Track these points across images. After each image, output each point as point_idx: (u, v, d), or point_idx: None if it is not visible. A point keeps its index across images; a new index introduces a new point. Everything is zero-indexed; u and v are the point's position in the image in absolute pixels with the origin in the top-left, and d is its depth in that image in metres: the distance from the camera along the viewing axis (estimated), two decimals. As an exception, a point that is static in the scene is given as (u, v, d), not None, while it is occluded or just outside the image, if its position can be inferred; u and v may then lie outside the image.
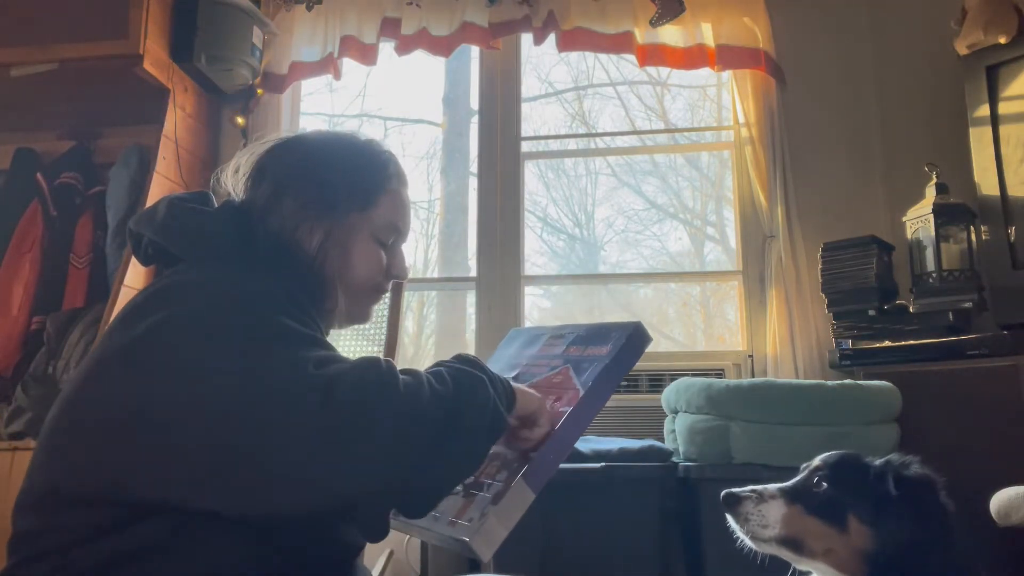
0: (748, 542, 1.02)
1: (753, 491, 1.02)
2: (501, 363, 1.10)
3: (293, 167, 0.96)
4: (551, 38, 2.76)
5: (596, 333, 1.00)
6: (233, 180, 0.99)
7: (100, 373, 0.78)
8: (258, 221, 0.92)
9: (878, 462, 1.01)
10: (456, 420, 0.77)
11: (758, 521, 1.00)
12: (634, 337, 0.93)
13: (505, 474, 0.86)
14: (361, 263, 0.96)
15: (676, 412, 2.04)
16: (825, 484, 1.00)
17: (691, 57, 2.67)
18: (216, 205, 0.96)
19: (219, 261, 0.88)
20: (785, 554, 1.01)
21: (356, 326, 1.09)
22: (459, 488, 0.88)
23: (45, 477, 0.78)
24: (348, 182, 0.96)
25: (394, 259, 1.01)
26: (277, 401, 0.70)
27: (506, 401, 0.85)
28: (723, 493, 1.03)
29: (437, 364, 0.86)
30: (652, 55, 2.69)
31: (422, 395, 0.75)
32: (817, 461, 1.05)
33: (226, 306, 0.79)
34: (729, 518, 1.03)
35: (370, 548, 1.04)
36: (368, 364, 0.75)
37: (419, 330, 3.77)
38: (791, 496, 1.01)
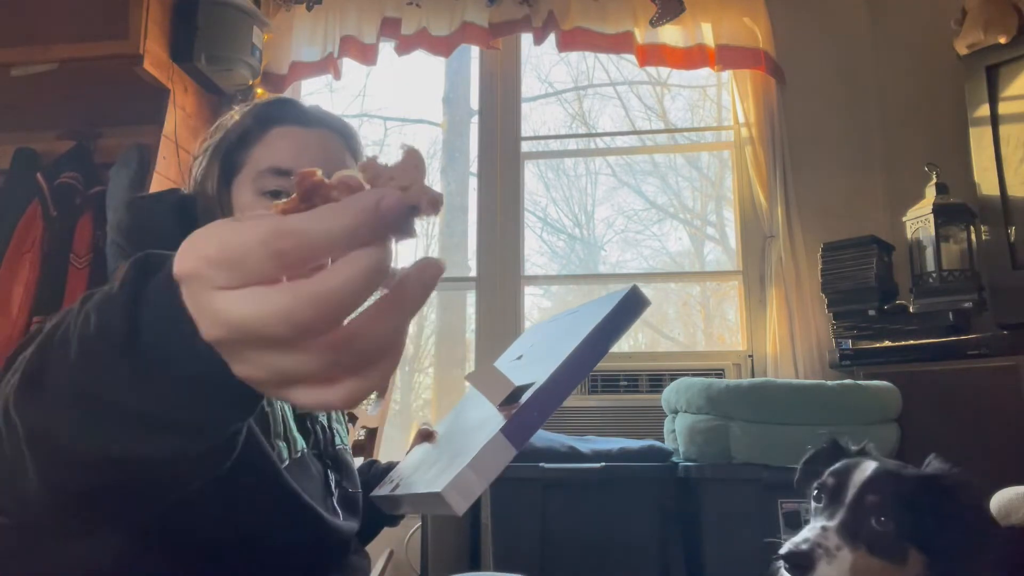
0: None
1: (819, 546, 0.93)
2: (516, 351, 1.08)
3: (210, 140, 0.90)
4: (551, 38, 2.76)
5: (596, 301, 0.98)
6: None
7: None
8: (197, 205, 0.88)
9: (919, 474, 0.96)
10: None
11: None
12: (630, 296, 0.89)
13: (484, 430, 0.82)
14: None
15: (676, 412, 2.04)
16: (888, 520, 0.93)
17: (691, 57, 2.67)
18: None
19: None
20: None
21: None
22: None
23: None
24: (236, 144, 0.88)
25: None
26: None
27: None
28: (788, 554, 0.92)
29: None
30: (652, 55, 2.69)
31: None
32: (868, 492, 0.95)
33: None
34: None
35: (370, 548, 1.04)
36: None
37: (419, 330, 3.77)
38: (852, 538, 0.93)
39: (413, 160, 0.37)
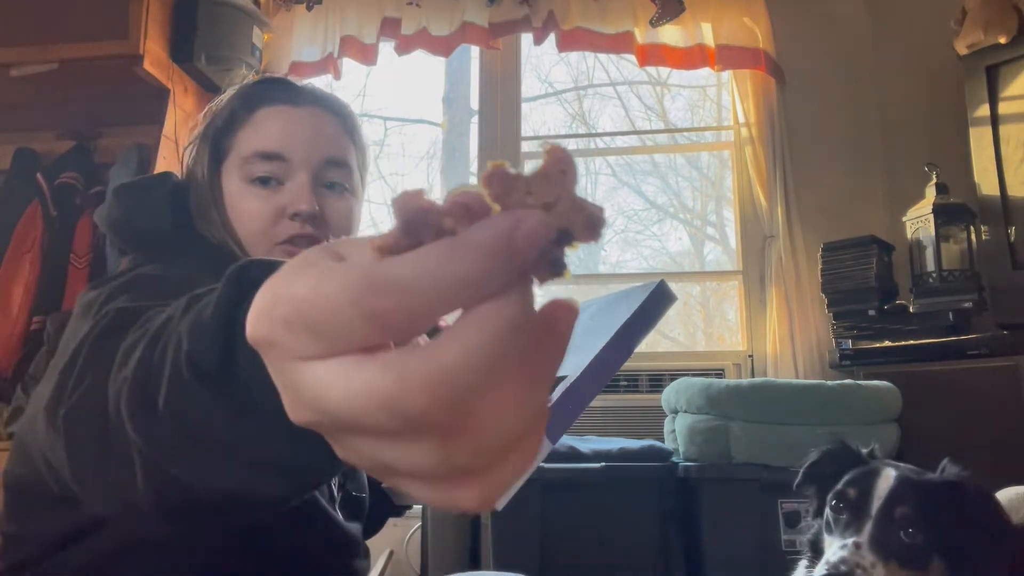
0: None
1: (857, 566, 0.92)
2: None
3: (202, 125, 0.85)
4: (551, 38, 2.76)
5: (621, 294, 0.97)
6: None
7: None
8: (187, 195, 0.83)
9: (942, 482, 0.96)
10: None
11: None
12: (658, 292, 0.87)
13: None
14: (243, 216, 0.79)
15: (676, 412, 2.04)
16: (916, 532, 0.92)
17: (691, 57, 2.67)
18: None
19: (151, 251, 0.79)
20: None
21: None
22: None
23: (7, 469, 0.75)
24: (222, 128, 0.82)
25: (284, 195, 0.79)
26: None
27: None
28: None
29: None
30: (652, 55, 2.69)
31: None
32: (896, 503, 0.94)
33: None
34: None
35: (370, 548, 1.03)
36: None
37: (419, 330, 3.77)
38: (885, 554, 0.93)
39: (559, 164, 0.25)
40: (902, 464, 1.01)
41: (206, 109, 0.88)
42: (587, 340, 0.86)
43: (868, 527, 0.94)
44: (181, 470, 0.39)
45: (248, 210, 0.79)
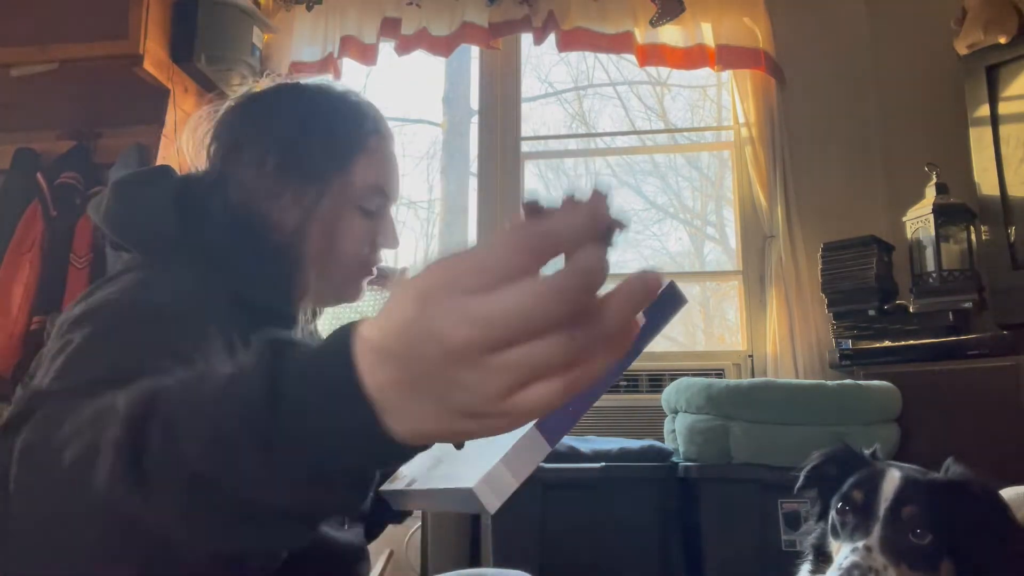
0: None
1: (870, 569, 0.91)
2: None
3: (257, 125, 0.83)
4: (551, 38, 2.76)
5: None
6: (191, 144, 0.87)
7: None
8: (214, 194, 0.79)
9: (948, 482, 0.95)
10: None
11: None
12: (668, 295, 0.85)
13: None
14: (345, 239, 0.83)
15: (676, 412, 2.04)
16: (919, 530, 0.92)
17: (691, 57, 2.67)
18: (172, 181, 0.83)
19: (158, 253, 0.76)
20: None
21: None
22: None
23: None
24: (322, 140, 0.82)
25: (382, 227, 0.87)
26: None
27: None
28: None
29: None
30: (652, 55, 2.69)
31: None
32: (905, 504, 0.93)
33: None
34: None
35: (371, 548, 1.03)
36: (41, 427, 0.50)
37: (419, 330, 3.77)
38: (896, 556, 0.92)
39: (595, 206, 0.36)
40: (905, 465, 1.00)
41: (245, 100, 0.86)
42: None
43: (876, 529, 0.93)
44: (180, 527, 0.40)
45: (355, 237, 0.84)
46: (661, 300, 0.86)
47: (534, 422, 0.68)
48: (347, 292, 0.89)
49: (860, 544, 0.92)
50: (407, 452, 0.38)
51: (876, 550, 0.91)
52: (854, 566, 0.90)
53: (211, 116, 0.87)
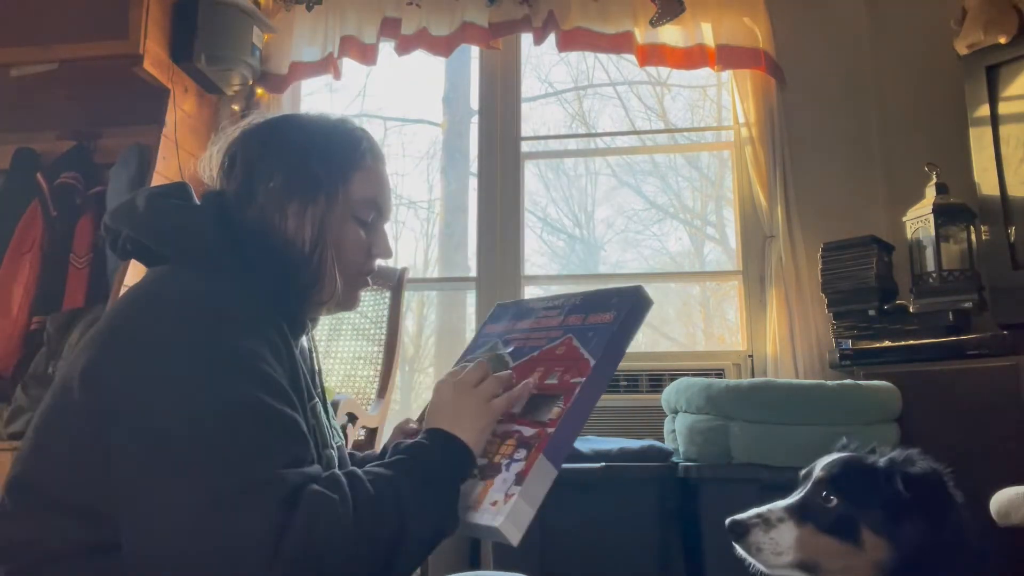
0: (762, 569, 0.97)
1: (759, 516, 0.97)
2: (491, 340, 1.09)
3: (264, 149, 0.92)
4: (551, 38, 2.76)
5: (594, 300, 0.98)
6: (208, 170, 0.96)
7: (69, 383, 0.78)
8: (236, 212, 0.89)
9: (882, 462, 0.97)
10: (403, 541, 0.77)
11: (771, 549, 0.95)
12: (637, 303, 0.90)
13: (524, 451, 0.82)
14: (348, 247, 0.93)
15: (676, 412, 2.04)
16: (834, 498, 0.95)
17: (691, 57, 2.67)
18: (194, 197, 0.93)
19: (200, 262, 0.85)
20: None
21: (357, 327, 1.09)
22: (475, 471, 0.84)
23: (22, 469, 0.78)
24: (323, 160, 0.92)
25: (376, 239, 0.97)
26: (219, 548, 0.66)
27: (460, 472, 0.83)
28: (728, 522, 0.98)
29: (395, 455, 0.83)
30: (652, 55, 2.69)
31: (370, 531, 0.74)
32: (820, 471, 0.99)
33: (187, 344, 0.75)
34: (738, 548, 0.97)
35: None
36: (320, 503, 0.71)
37: (419, 330, 3.77)
38: (800, 515, 0.96)
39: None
40: (876, 455, 1.02)
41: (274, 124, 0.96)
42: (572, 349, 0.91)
43: (797, 494, 1.00)
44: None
45: (355, 246, 0.94)
46: (635, 307, 0.90)
47: (543, 451, 0.80)
48: (349, 300, 0.97)
49: (780, 504, 0.99)
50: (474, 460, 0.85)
51: (782, 507, 0.98)
52: (756, 514, 0.98)
53: (222, 145, 0.96)
